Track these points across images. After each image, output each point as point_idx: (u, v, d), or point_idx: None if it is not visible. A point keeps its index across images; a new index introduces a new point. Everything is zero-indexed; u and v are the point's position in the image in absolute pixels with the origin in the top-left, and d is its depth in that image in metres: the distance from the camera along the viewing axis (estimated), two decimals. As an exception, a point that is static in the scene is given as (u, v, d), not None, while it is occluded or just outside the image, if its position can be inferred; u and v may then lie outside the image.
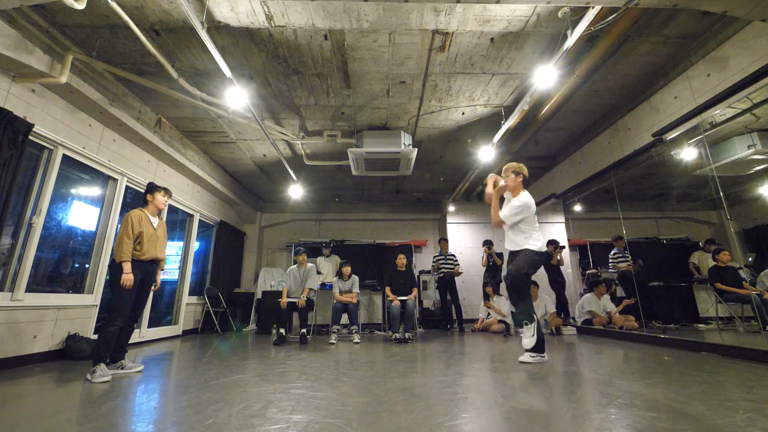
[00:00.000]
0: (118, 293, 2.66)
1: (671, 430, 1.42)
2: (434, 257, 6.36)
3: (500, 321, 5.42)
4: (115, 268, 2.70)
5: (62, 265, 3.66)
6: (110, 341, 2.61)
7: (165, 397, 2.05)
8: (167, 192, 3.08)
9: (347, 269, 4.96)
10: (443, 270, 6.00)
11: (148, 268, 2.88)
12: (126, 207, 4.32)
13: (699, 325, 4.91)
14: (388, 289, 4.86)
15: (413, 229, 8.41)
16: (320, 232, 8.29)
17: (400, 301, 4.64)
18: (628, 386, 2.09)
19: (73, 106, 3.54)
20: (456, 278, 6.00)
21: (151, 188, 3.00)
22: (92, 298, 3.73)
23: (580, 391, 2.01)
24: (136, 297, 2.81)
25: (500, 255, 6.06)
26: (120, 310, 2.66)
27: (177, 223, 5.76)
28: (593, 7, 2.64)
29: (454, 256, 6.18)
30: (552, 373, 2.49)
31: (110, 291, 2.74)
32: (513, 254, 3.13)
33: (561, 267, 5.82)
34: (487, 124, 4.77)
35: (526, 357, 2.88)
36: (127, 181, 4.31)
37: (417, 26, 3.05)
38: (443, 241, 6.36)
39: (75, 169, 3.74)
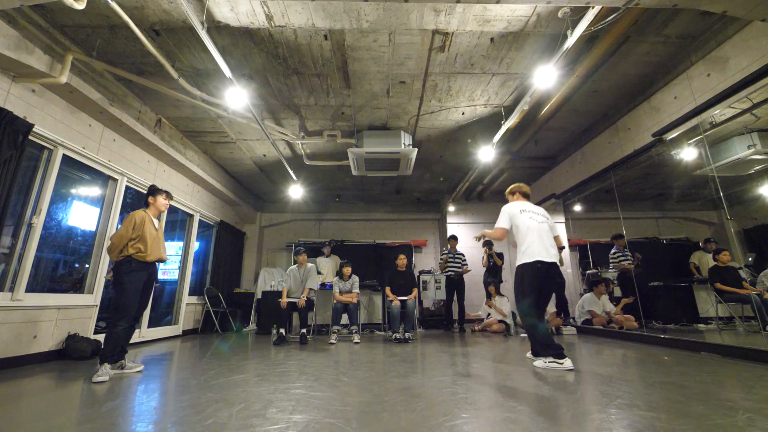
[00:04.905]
0: (124, 293, 2.67)
1: (671, 430, 1.42)
2: (442, 253, 6.33)
3: (500, 321, 5.43)
4: (118, 268, 2.71)
5: (62, 265, 3.66)
6: (117, 341, 2.62)
7: (165, 397, 2.05)
8: (169, 195, 3.08)
9: (347, 269, 4.96)
10: (451, 270, 5.99)
11: (152, 268, 2.90)
12: (126, 207, 4.32)
13: (699, 325, 4.90)
14: (388, 289, 4.86)
15: (413, 229, 8.41)
16: (320, 232, 8.29)
17: (400, 301, 4.64)
18: (628, 386, 2.09)
19: (73, 106, 3.54)
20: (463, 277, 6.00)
21: (153, 190, 3.01)
22: (92, 298, 3.73)
23: (580, 391, 2.01)
24: (140, 297, 2.82)
25: (500, 255, 6.06)
26: (126, 310, 2.67)
27: (177, 223, 5.75)
28: (593, 7, 2.64)
29: (463, 255, 6.15)
30: (552, 373, 2.49)
31: (115, 291, 2.75)
32: None
33: (561, 267, 5.82)
34: (487, 124, 4.77)
35: (539, 363, 2.76)
36: (127, 181, 4.30)
37: (417, 26, 3.05)
38: (452, 239, 6.29)
39: (75, 169, 3.73)
